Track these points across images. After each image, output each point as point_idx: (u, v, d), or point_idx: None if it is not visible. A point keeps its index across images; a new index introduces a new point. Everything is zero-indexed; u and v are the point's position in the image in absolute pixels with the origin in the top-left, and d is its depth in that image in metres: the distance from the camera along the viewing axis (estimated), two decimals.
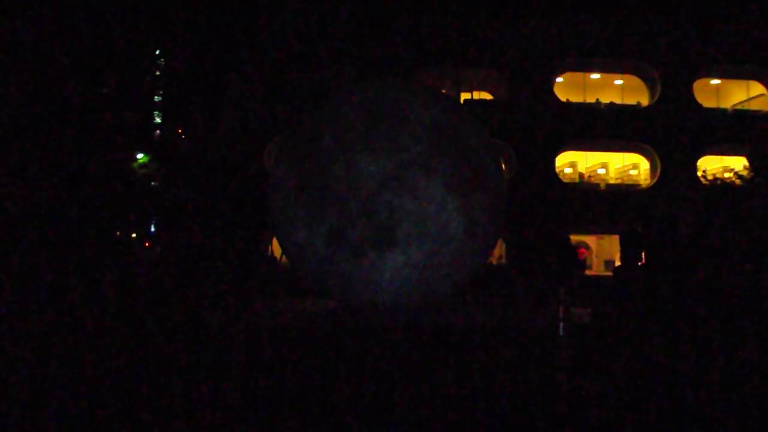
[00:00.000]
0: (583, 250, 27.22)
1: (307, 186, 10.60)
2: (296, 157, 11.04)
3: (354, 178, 10.28)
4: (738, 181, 20.61)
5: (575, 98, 26.44)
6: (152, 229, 21.72)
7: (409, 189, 10.25)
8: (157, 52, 18.41)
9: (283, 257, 13.63)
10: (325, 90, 21.67)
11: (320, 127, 11.06)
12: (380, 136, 10.49)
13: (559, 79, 26.06)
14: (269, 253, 22.33)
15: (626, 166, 28.64)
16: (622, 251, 8.99)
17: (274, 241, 17.28)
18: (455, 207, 10.46)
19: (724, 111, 26.54)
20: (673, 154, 24.78)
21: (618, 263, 9.97)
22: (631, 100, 26.66)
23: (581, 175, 28.59)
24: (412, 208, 10.23)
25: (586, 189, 26.42)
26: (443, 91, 21.28)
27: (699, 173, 23.85)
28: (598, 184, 27.11)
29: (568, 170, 28.29)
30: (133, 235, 20.60)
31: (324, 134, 10.88)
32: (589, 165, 29.21)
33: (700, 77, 25.83)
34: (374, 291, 10.57)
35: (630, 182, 27.78)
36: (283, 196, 10.93)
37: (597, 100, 26.24)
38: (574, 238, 27.86)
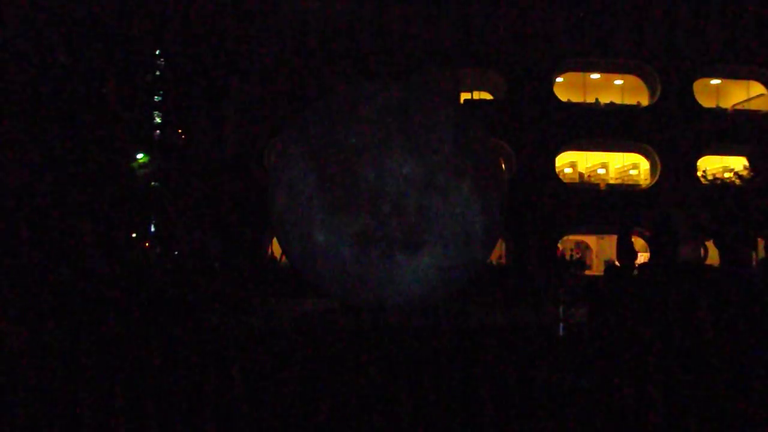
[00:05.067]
0: (576, 251, 27.22)
1: (331, 187, 10.37)
2: (315, 157, 10.72)
3: (385, 179, 10.20)
4: (738, 181, 20.61)
5: (575, 98, 26.43)
6: (152, 229, 21.70)
7: (439, 190, 10.24)
8: (157, 52, 18.38)
9: (283, 257, 13.60)
10: (324, 90, 21.65)
11: (342, 128, 10.81)
12: (409, 138, 10.43)
13: (559, 79, 26.06)
14: (269, 253, 22.33)
15: (626, 166, 28.65)
16: (619, 251, 8.99)
17: (274, 241, 17.27)
18: (479, 207, 10.52)
19: (724, 111, 26.53)
20: (673, 154, 24.78)
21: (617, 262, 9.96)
22: (631, 100, 26.65)
23: (581, 175, 28.59)
24: (441, 209, 10.23)
25: (586, 189, 26.42)
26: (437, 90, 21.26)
27: (699, 173, 23.85)
28: (598, 184, 27.11)
29: (568, 170, 28.30)
30: (133, 235, 20.57)
31: (347, 135, 10.66)
32: (589, 165, 29.21)
33: (700, 77, 25.82)
34: (396, 292, 10.53)
35: (630, 182, 27.77)
36: (300, 196, 10.66)
37: (596, 100, 26.24)
38: (574, 238, 27.92)
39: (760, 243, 22.04)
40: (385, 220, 10.19)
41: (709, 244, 22.90)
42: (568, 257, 24.24)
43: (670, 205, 22.93)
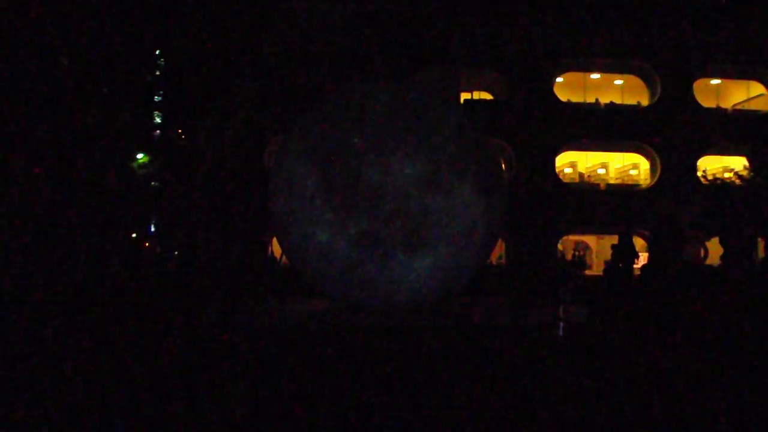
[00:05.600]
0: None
1: (335, 187, 10.32)
2: (317, 157, 10.66)
3: (389, 180, 10.18)
4: (738, 181, 20.61)
5: (575, 98, 26.42)
6: (152, 229, 21.69)
7: (442, 191, 10.24)
8: (157, 52, 18.38)
9: (283, 257, 13.60)
10: (324, 90, 21.65)
11: (345, 127, 10.75)
12: (412, 139, 10.41)
13: (559, 79, 26.05)
14: (269, 253, 22.32)
15: (626, 166, 28.64)
16: (615, 251, 8.98)
17: (274, 240, 17.26)
18: (481, 208, 10.53)
19: (724, 111, 26.53)
20: (673, 154, 24.79)
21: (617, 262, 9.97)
22: (631, 100, 26.65)
23: (581, 175, 28.59)
24: (444, 209, 10.22)
25: (586, 189, 26.42)
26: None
27: (699, 173, 23.85)
28: (598, 184, 27.10)
29: (568, 170, 28.30)
30: (133, 235, 20.57)
31: (350, 135, 10.62)
32: (589, 165, 29.20)
33: (700, 77, 25.82)
34: (398, 291, 10.52)
35: (630, 182, 27.78)
36: (302, 196, 10.60)
37: (596, 100, 26.24)
38: (574, 238, 27.91)
39: (760, 243, 22.05)
40: (387, 220, 10.17)
41: (709, 244, 22.94)
42: (570, 257, 24.25)
43: (672, 205, 22.95)
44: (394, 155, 10.30)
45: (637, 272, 12.81)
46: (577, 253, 25.09)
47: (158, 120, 20.16)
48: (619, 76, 27.15)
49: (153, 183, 19.62)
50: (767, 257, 15.19)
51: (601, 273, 23.72)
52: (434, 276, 10.56)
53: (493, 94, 26.66)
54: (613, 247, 10.63)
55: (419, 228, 10.16)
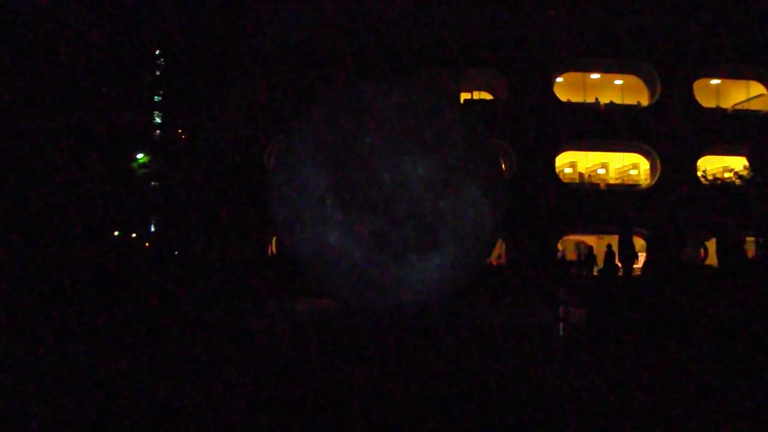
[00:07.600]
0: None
1: (346, 187, 10.26)
2: (327, 157, 10.58)
3: (401, 180, 10.17)
4: (738, 181, 20.62)
5: (575, 98, 26.42)
6: (152, 229, 21.72)
7: (453, 191, 10.25)
8: (157, 52, 18.38)
9: None
10: (324, 90, 21.66)
11: (356, 126, 10.68)
12: (422, 139, 10.41)
13: (559, 79, 26.05)
14: (270, 253, 22.33)
15: (626, 166, 28.66)
16: (620, 253, 8.98)
17: (274, 240, 17.27)
18: (487, 208, 10.57)
19: (724, 111, 26.53)
20: (673, 154, 24.80)
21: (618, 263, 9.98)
22: (631, 100, 26.65)
23: (581, 175, 28.59)
24: (454, 210, 10.24)
25: (586, 189, 26.43)
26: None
27: (699, 173, 23.86)
28: (598, 184, 27.12)
29: (568, 170, 28.31)
30: (133, 235, 20.59)
31: (362, 134, 10.57)
32: (589, 165, 29.22)
33: (700, 77, 25.83)
34: (406, 292, 10.51)
35: (630, 182, 27.79)
36: (311, 196, 10.54)
37: (596, 100, 26.24)
38: (574, 238, 27.92)
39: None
40: (401, 221, 10.16)
41: (709, 244, 22.95)
42: (575, 257, 24.23)
43: (672, 205, 22.94)
44: (407, 156, 10.30)
45: (637, 272, 12.82)
46: (584, 253, 25.09)
47: (158, 120, 20.17)
48: (619, 76, 27.16)
49: (153, 183, 19.63)
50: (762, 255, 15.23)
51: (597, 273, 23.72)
52: (443, 277, 10.57)
53: (493, 94, 26.66)
54: (590, 248, 10.70)
55: (431, 229, 10.17)
